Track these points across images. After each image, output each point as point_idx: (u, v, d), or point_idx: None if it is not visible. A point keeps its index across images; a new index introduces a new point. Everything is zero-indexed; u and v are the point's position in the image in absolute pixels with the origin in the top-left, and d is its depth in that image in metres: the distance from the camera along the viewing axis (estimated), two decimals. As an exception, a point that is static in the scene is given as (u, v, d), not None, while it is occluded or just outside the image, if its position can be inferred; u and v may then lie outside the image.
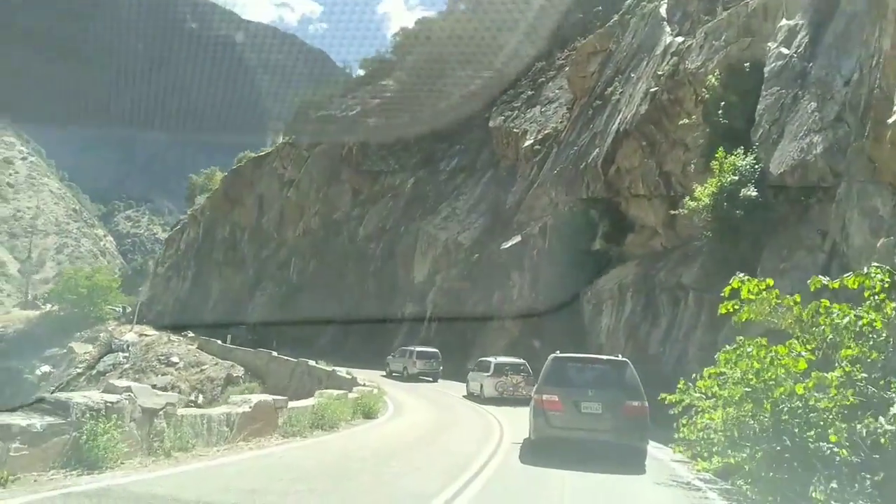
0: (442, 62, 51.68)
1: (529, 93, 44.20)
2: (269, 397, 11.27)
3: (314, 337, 43.56)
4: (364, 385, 19.62)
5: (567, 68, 38.77)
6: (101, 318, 44.78)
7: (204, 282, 53.62)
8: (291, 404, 11.83)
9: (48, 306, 51.01)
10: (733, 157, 16.33)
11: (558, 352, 11.99)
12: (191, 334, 40.42)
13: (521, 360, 22.95)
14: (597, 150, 25.14)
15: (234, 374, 31.74)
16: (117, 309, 49.55)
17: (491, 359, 23.31)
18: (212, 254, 54.66)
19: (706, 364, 9.27)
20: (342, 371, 23.82)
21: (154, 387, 28.98)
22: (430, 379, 28.92)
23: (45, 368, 60.98)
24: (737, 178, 15.98)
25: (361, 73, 65.80)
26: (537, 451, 10.73)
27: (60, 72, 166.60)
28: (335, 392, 16.09)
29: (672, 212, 20.50)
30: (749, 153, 16.42)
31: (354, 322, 42.54)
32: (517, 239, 32.55)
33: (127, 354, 35.02)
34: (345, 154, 48.97)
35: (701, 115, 18.75)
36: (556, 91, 42.25)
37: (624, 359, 11.84)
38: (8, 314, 54.33)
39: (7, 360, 41.19)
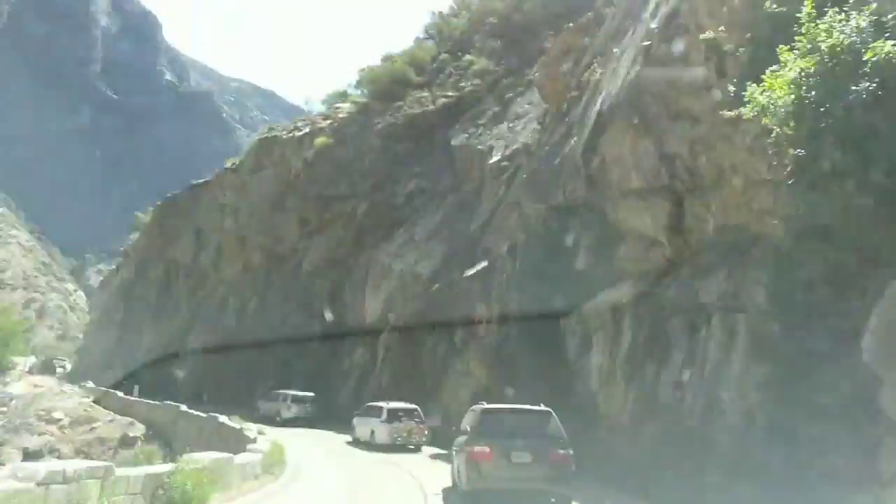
0: (403, 83, 47.30)
1: (496, 109, 39.73)
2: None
3: (253, 387, 37.35)
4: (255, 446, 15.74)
5: (537, 74, 34.30)
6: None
7: (135, 328, 47.09)
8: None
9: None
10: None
11: (484, 403, 12.43)
12: (90, 384, 34.03)
13: (415, 406, 22.91)
14: (574, 139, 20.16)
15: (132, 434, 25.44)
16: (25, 358, 42.63)
17: (382, 404, 22.84)
18: (144, 297, 48.29)
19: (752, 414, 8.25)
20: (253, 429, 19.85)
21: (26, 451, 22.15)
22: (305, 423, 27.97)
23: None
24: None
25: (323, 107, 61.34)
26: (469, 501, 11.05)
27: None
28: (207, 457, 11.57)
29: (678, 208, 15.46)
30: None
31: (295, 370, 36.53)
32: (483, 264, 27.18)
33: (5, 409, 28.48)
34: (292, 178, 43.60)
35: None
36: (526, 106, 37.76)
37: (548, 409, 12.00)
38: None
39: None
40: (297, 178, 43.32)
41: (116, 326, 49.79)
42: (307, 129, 44.28)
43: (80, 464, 8.36)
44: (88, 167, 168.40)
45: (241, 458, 13.29)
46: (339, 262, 38.59)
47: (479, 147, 36.17)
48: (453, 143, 38.22)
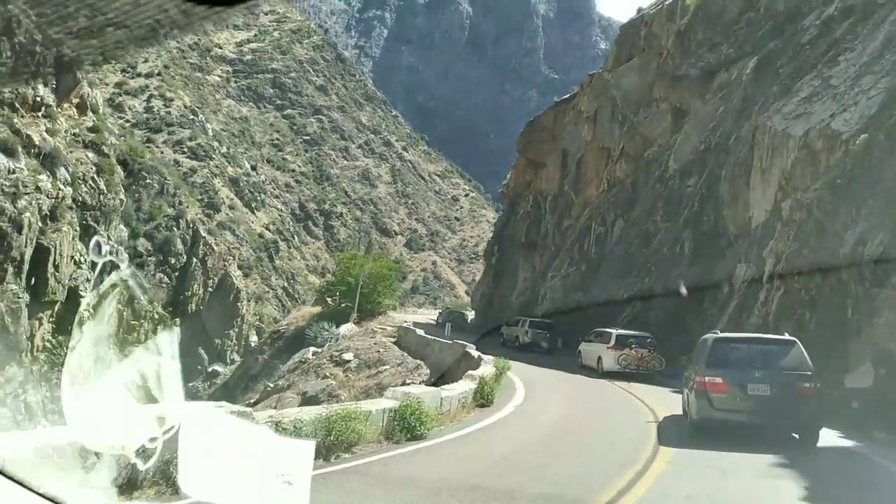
0: None
1: None
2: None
3: (612, 321, 28.70)
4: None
5: None
6: (372, 311, 38.26)
7: (509, 270, 43.30)
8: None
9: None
10: None
11: (717, 331, 12.02)
12: (407, 323, 30.60)
13: (647, 333, 21.88)
14: None
15: (408, 381, 20.22)
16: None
17: (611, 330, 21.98)
18: (514, 236, 44.05)
19: None
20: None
21: (304, 395, 18.86)
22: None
23: (218, 368, 60.95)
24: None
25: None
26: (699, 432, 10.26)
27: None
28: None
29: None
30: None
31: (658, 297, 26.30)
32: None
33: (318, 351, 26.93)
34: (660, 62, 32.98)
35: None
36: None
37: (792, 338, 11.20)
38: (299, 311, 53.79)
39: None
40: (665, 59, 32.46)
41: (492, 269, 47.07)
42: (677, -9, 32.82)
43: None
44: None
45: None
46: (712, 149, 26.58)
47: None
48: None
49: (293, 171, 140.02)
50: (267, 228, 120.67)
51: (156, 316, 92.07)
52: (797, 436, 10.34)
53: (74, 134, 66.22)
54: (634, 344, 20.72)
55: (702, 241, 25.51)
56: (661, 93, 32.64)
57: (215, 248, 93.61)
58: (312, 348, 27.64)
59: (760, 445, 9.42)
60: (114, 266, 2.12)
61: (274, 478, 1.99)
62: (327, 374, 21.91)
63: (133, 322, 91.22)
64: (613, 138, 35.15)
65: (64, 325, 49.18)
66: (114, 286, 2.13)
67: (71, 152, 61.32)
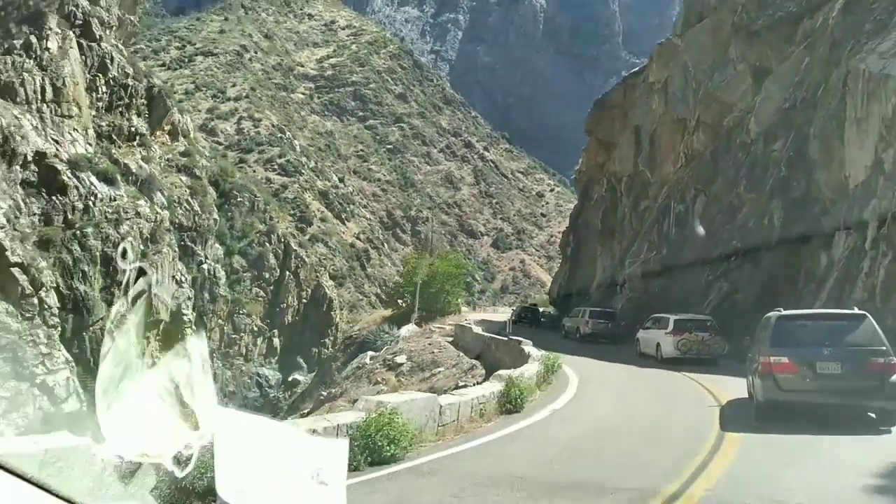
0: None
1: None
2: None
3: (696, 306, 26.06)
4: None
5: None
6: (440, 311, 36.75)
7: (587, 259, 40.68)
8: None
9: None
10: None
11: (780, 309, 11.16)
12: (467, 321, 28.71)
13: (707, 316, 21.14)
14: None
15: (461, 384, 18.71)
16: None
17: (669, 315, 21.07)
18: (590, 223, 41.29)
19: None
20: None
21: (353, 402, 16.94)
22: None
23: (298, 377, 60.35)
24: None
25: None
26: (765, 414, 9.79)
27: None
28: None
29: None
30: None
31: (743, 279, 23.53)
32: None
33: (375, 355, 25.95)
34: (735, 19, 29.88)
35: None
36: None
37: (862, 312, 10.51)
38: (371, 315, 52.93)
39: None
40: (740, 14, 29.37)
41: (568, 260, 44.45)
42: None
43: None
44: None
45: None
46: (798, 105, 23.46)
47: None
48: None
49: (378, 180, 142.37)
50: (357, 238, 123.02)
51: (255, 328, 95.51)
52: (873, 415, 9.62)
53: (168, 159, 69.73)
54: (694, 328, 19.81)
55: (792, 211, 22.49)
56: (737, 52, 29.50)
57: (306, 259, 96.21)
58: (370, 353, 26.84)
59: (833, 427, 8.89)
60: (141, 273, 2.12)
61: (309, 478, 2.00)
62: (379, 379, 20.81)
63: (234, 336, 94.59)
64: (688, 108, 32.14)
65: (169, 341, 51.61)
66: (141, 293, 2.11)
67: (166, 177, 64.52)
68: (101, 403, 1.87)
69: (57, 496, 1.77)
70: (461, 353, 21.56)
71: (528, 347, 17.08)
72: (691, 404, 11.88)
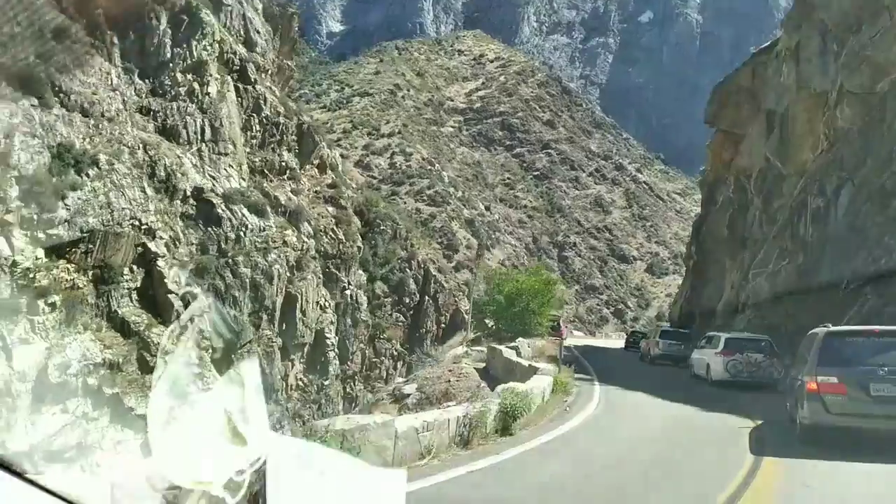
0: None
1: None
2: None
3: (840, 317, 20.77)
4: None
5: None
6: (525, 332, 32.86)
7: (712, 274, 34.73)
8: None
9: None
10: None
11: (829, 325, 10.65)
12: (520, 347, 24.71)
13: (764, 336, 19.52)
14: None
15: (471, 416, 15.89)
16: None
17: (723, 333, 20.46)
18: (715, 230, 35.23)
19: None
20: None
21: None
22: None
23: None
24: None
25: None
26: (811, 439, 9.22)
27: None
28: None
29: None
30: None
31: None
32: None
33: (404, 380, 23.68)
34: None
35: None
36: None
37: None
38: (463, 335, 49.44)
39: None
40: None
41: (690, 275, 38.47)
42: None
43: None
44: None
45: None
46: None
47: None
48: None
49: (525, 206, 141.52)
50: (502, 264, 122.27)
51: (395, 353, 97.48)
52: None
53: (316, 191, 73.73)
54: (748, 348, 18.52)
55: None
56: None
57: (445, 285, 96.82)
58: (399, 379, 24.71)
59: (887, 454, 8.30)
60: (193, 297, 2.36)
61: None
62: (387, 411, 18.41)
63: (374, 360, 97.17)
64: (827, 77, 26.29)
65: (313, 365, 53.45)
66: (193, 318, 2.06)
67: (313, 208, 68.00)
68: (155, 428, 1.84)
69: (57, 496, 1.75)
70: (483, 383, 18.57)
71: (542, 373, 14.55)
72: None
